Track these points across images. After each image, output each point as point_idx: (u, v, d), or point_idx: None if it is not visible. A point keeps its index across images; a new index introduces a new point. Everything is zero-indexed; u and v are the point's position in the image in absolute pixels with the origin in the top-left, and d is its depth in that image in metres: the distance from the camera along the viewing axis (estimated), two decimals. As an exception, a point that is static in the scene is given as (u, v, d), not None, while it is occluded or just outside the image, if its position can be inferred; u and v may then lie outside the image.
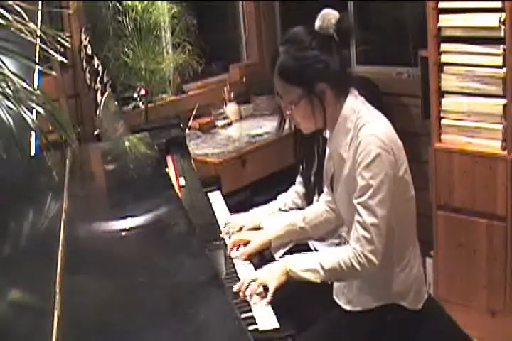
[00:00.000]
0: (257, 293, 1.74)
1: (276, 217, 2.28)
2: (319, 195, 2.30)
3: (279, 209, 2.37)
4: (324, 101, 1.79)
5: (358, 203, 1.74)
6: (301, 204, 2.38)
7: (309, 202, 2.35)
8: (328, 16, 1.77)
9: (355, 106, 1.81)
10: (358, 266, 1.73)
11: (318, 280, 1.78)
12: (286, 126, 1.95)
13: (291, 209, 2.38)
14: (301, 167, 2.39)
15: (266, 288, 1.76)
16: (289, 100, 1.82)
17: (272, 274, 1.78)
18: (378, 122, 1.79)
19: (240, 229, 2.16)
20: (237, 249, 2.03)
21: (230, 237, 2.11)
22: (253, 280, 1.76)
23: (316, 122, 1.83)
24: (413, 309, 1.88)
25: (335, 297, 1.94)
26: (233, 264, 1.94)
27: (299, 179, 2.45)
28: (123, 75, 3.11)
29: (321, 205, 2.08)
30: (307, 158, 2.37)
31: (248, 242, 2.03)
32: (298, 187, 2.43)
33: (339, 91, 1.81)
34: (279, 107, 1.92)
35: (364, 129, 1.75)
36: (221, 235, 2.11)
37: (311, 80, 1.77)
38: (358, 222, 1.75)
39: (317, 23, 1.77)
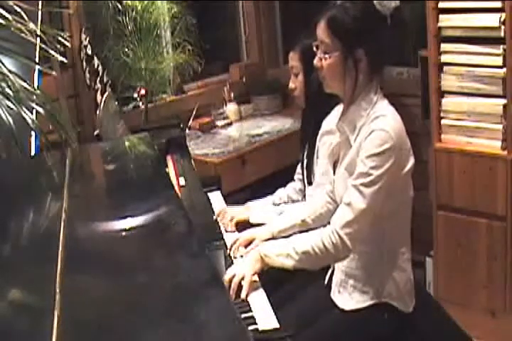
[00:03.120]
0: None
1: (264, 211, 2.31)
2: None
3: (273, 203, 2.41)
4: (358, 68, 1.78)
5: (354, 185, 1.75)
6: (295, 199, 2.42)
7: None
8: None
9: (373, 95, 1.81)
10: (330, 247, 1.74)
11: (291, 264, 1.78)
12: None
13: (285, 203, 2.41)
14: (305, 161, 2.39)
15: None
16: (325, 49, 1.80)
17: (247, 265, 1.79)
18: (393, 118, 1.79)
19: (231, 219, 2.23)
20: (245, 247, 2.02)
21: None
22: (232, 278, 1.75)
23: (344, 85, 1.81)
24: (405, 311, 1.89)
25: (332, 296, 1.95)
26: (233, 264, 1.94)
27: (297, 176, 2.47)
28: (123, 75, 3.11)
29: (322, 196, 2.07)
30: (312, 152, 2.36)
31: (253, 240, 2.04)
32: (295, 183, 2.46)
33: (371, 71, 1.81)
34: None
35: (378, 122, 1.76)
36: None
37: (355, 42, 1.76)
38: (346, 203, 1.75)
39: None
